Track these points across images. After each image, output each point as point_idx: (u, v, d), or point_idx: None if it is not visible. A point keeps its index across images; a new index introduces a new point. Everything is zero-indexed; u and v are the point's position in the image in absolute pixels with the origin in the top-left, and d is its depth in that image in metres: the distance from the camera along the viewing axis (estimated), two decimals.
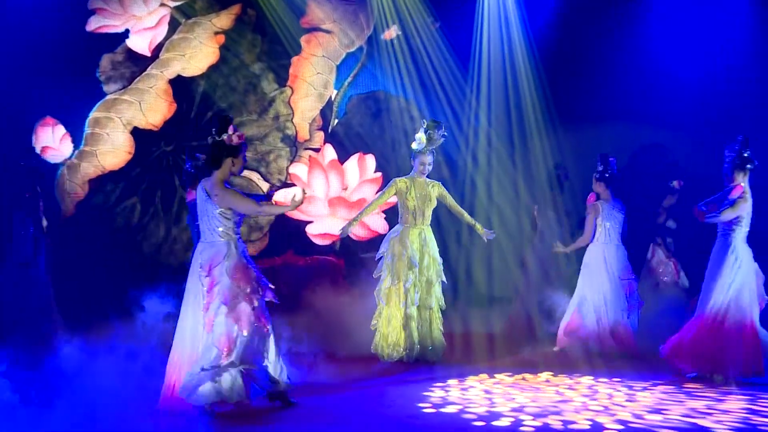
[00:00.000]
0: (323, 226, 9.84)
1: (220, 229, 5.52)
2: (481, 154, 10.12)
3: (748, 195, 6.51)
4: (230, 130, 5.66)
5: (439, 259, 7.41)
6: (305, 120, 9.93)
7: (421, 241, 7.32)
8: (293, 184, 9.74)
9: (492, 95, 9.94)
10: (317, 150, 9.91)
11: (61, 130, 9.44)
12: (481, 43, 9.96)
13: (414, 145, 7.31)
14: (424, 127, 7.26)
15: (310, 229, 9.82)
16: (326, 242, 9.83)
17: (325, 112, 9.95)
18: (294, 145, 9.86)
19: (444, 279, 7.42)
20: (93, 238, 9.36)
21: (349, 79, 10.06)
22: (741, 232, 6.52)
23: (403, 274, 7.23)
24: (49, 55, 9.26)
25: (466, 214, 7.46)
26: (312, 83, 9.94)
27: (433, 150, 7.31)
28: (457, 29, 10.02)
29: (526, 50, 10.00)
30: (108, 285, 8.91)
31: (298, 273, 9.26)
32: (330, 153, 9.91)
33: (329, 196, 9.78)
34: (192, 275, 5.54)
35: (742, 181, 6.52)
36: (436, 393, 6.20)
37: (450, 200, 7.44)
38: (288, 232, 9.73)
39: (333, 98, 10.00)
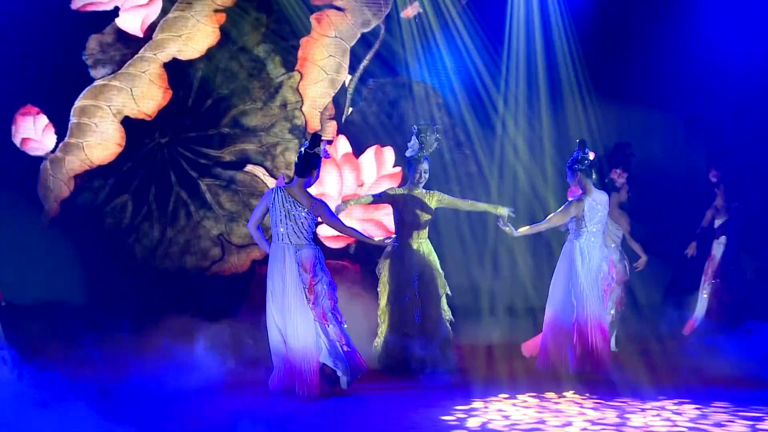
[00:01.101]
0: None
1: (308, 231, 6.55)
2: (518, 144, 9.95)
3: (589, 197, 7.09)
4: (322, 145, 6.59)
5: (441, 271, 7.51)
6: (316, 108, 9.69)
7: (419, 255, 7.46)
8: None
9: (527, 79, 9.78)
10: (329, 142, 9.59)
11: (43, 119, 9.22)
12: (512, 21, 9.78)
13: (408, 152, 7.47)
14: (416, 131, 7.43)
15: (321, 231, 9.47)
16: (340, 245, 9.60)
17: (338, 100, 9.75)
18: (303, 137, 9.57)
19: (449, 291, 7.52)
20: (79, 241, 9.23)
21: (365, 62, 9.83)
22: (583, 234, 7.12)
23: (400, 292, 7.41)
24: (30, 36, 9.14)
25: (477, 203, 7.65)
26: (323, 67, 9.69)
27: (428, 156, 7.45)
28: (487, 5, 9.83)
29: (565, 29, 9.85)
30: (96, 292, 8.95)
31: None
32: (344, 145, 9.64)
33: (343, 193, 9.52)
34: (277, 274, 6.50)
35: (583, 182, 7.15)
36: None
37: (452, 201, 7.57)
38: None
39: (347, 84, 9.79)
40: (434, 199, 7.44)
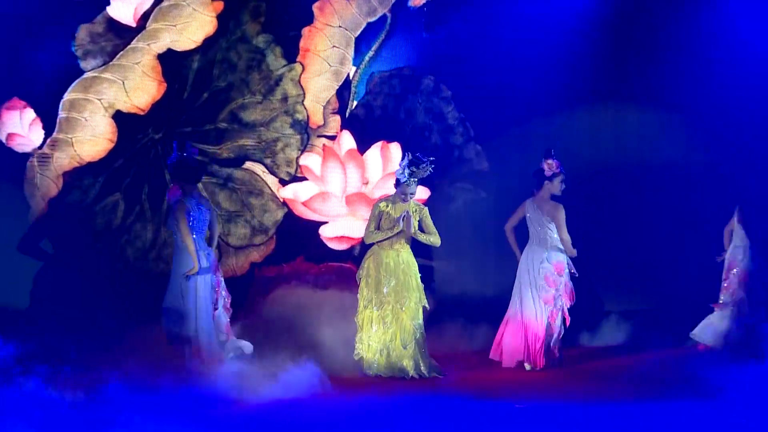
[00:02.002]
0: (339, 227, 9.58)
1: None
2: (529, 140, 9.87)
3: (534, 201, 8.07)
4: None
5: (419, 284, 7.80)
6: (318, 102, 9.69)
7: (395, 263, 7.73)
8: (304, 178, 9.56)
9: (546, 73, 9.71)
10: (333, 138, 9.68)
11: (30, 114, 9.32)
12: (531, 11, 9.74)
13: (397, 173, 7.71)
14: (408, 162, 7.64)
15: (324, 231, 9.56)
16: (343, 246, 9.60)
17: (342, 93, 9.77)
18: (305, 132, 9.62)
19: (426, 304, 7.81)
20: (68, 242, 9.29)
21: (371, 53, 9.84)
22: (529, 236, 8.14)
23: (375, 298, 7.69)
24: (16, 25, 9.22)
25: (433, 237, 7.87)
26: (326, 58, 9.70)
27: (417, 180, 7.71)
28: None
29: (590, 22, 9.84)
30: (86, 295, 9.06)
31: (310, 282, 9.19)
32: (348, 141, 9.61)
33: (347, 192, 9.50)
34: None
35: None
36: None
37: (425, 224, 7.84)
38: (298, 234, 9.58)
39: (351, 76, 9.81)
40: (418, 214, 7.77)
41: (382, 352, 7.66)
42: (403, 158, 7.71)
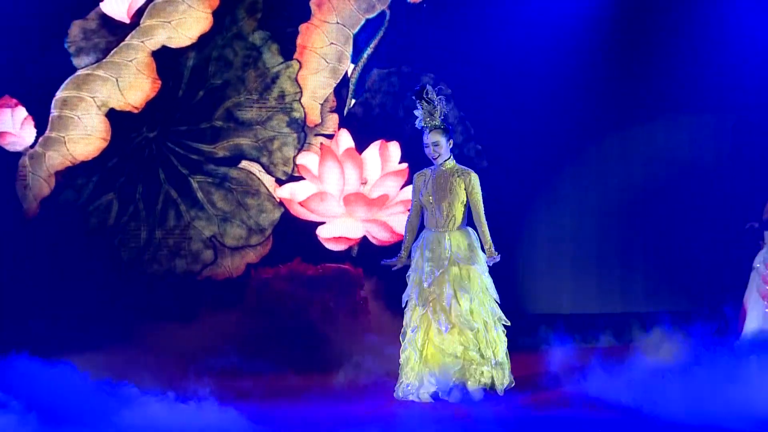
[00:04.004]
0: (337, 228, 9.57)
1: None
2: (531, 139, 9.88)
3: None
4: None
5: (479, 269, 6.70)
6: (316, 100, 9.68)
7: (443, 249, 6.68)
8: (301, 177, 9.55)
9: (546, 72, 9.71)
10: (330, 136, 9.67)
11: (22, 112, 9.23)
12: (532, 10, 9.76)
13: (417, 123, 6.90)
14: (416, 100, 6.86)
15: (321, 232, 9.55)
16: (341, 247, 9.58)
17: (340, 91, 9.74)
18: (302, 131, 9.62)
19: (496, 295, 6.78)
20: (61, 242, 9.24)
21: (369, 50, 9.81)
22: None
23: (422, 293, 6.69)
24: (7, 21, 9.09)
25: (484, 227, 6.83)
26: (324, 56, 9.69)
27: (440, 126, 6.77)
28: None
29: (591, 21, 9.85)
30: (80, 297, 9.00)
31: (307, 284, 9.04)
32: (346, 140, 9.62)
33: (345, 192, 9.50)
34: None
35: None
36: None
37: (473, 199, 6.78)
38: (295, 235, 9.55)
39: (349, 74, 9.79)
40: (463, 181, 6.71)
41: (426, 363, 6.63)
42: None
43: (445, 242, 6.66)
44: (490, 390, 6.59)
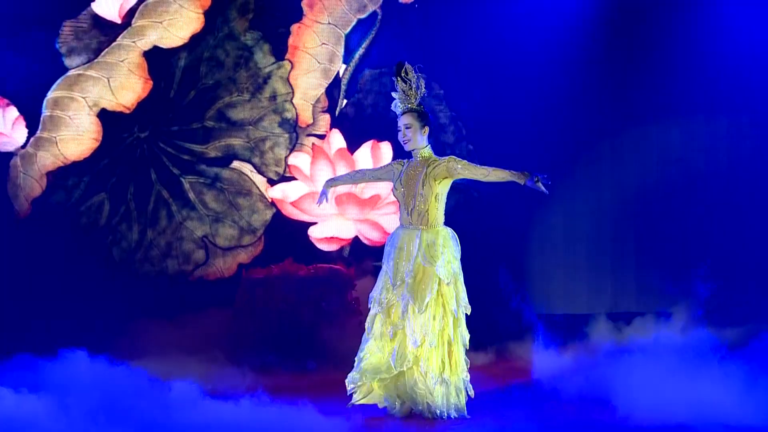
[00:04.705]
0: (329, 228, 9.55)
1: None
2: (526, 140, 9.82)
3: None
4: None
5: (446, 275, 6.11)
6: (308, 100, 9.66)
7: (413, 247, 6.13)
8: (293, 178, 9.53)
9: (539, 72, 9.70)
10: (322, 137, 9.65)
11: (13, 112, 9.21)
12: (525, 9, 9.74)
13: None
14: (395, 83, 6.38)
15: (313, 232, 9.53)
16: (333, 248, 9.56)
17: (332, 91, 9.73)
18: (294, 131, 9.60)
19: (465, 307, 6.18)
20: (52, 243, 9.20)
21: (361, 51, 9.81)
22: None
23: (386, 294, 6.19)
24: None
25: (495, 171, 6.23)
26: (316, 56, 9.67)
27: (415, 109, 6.28)
28: None
29: (585, 21, 9.83)
30: (71, 297, 8.97)
31: (299, 285, 9.05)
32: (337, 140, 9.60)
33: (336, 192, 9.41)
34: None
35: None
36: None
37: (467, 170, 6.19)
38: (287, 235, 9.51)
39: (341, 74, 9.78)
40: (441, 168, 6.17)
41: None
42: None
43: (414, 241, 6.15)
44: (427, 412, 6.01)
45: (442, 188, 6.25)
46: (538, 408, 6.44)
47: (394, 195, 6.35)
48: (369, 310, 6.30)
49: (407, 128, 6.23)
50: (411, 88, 6.29)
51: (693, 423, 5.74)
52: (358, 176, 6.89)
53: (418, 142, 6.25)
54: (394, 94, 6.37)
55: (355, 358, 6.25)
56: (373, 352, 6.17)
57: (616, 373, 6.61)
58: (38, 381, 6.45)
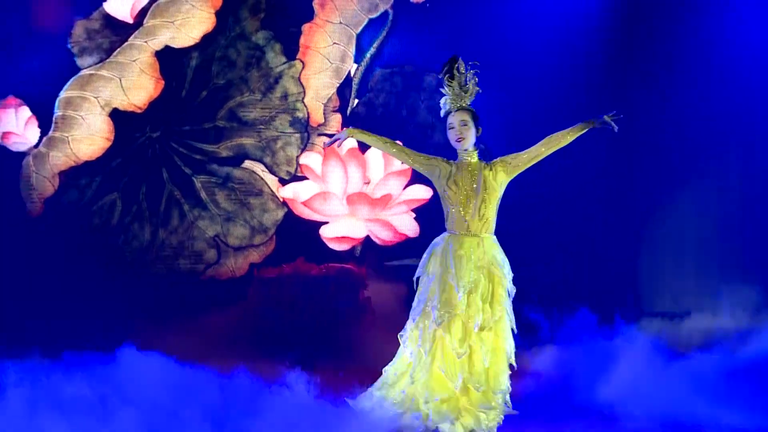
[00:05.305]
0: (341, 227, 9.50)
1: None
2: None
3: None
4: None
5: (511, 288, 5.76)
6: (319, 100, 9.64)
7: (477, 257, 5.68)
8: (305, 177, 9.51)
9: (551, 71, 9.63)
10: (332, 136, 9.01)
11: (25, 112, 9.23)
12: (537, 9, 9.69)
13: (442, 113, 5.97)
14: (442, 80, 5.94)
15: (324, 232, 9.50)
16: (344, 247, 9.51)
17: (343, 91, 9.70)
18: (306, 131, 9.57)
19: (514, 325, 5.78)
20: (64, 242, 9.21)
21: (372, 50, 9.75)
22: None
23: (440, 308, 5.62)
24: (10, 22, 9.09)
25: (554, 138, 5.86)
26: (327, 56, 9.64)
27: (469, 108, 5.86)
28: None
29: (598, 21, 9.75)
30: (83, 297, 8.97)
31: (311, 284, 9.10)
32: (349, 140, 9.05)
33: (348, 191, 9.45)
34: None
35: None
36: None
37: (524, 155, 5.82)
38: (298, 235, 9.48)
39: (352, 74, 9.73)
40: (498, 169, 5.79)
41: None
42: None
43: (479, 250, 5.71)
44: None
45: (502, 192, 5.85)
46: None
47: (444, 196, 5.81)
48: (417, 324, 5.73)
49: (463, 125, 5.80)
50: (466, 86, 5.90)
51: None
52: (389, 145, 5.94)
53: (472, 142, 5.85)
54: (443, 90, 5.94)
55: (389, 380, 5.79)
56: (426, 370, 5.62)
57: None
58: (42, 382, 6.48)
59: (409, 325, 5.77)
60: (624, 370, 7.21)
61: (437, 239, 5.89)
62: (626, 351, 7.39)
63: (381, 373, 6.01)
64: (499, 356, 5.66)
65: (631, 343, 7.55)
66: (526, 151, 5.85)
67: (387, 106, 9.74)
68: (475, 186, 5.74)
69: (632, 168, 9.75)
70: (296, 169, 9.52)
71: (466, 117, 5.83)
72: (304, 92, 9.56)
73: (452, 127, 5.82)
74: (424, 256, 5.87)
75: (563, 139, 5.87)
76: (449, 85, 5.88)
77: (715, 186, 9.55)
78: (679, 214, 9.58)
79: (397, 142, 6.08)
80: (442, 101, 5.94)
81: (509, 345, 5.69)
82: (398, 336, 5.85)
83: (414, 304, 5.82)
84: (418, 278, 5.87)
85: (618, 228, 9.66)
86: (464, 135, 5.80)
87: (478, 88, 5.92)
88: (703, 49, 9.76)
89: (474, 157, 5.83)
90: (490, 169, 5.79)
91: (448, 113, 5.89)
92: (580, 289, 9.23)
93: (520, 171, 5.86)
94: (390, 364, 5.85)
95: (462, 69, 5.89)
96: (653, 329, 8.46)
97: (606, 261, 9.56)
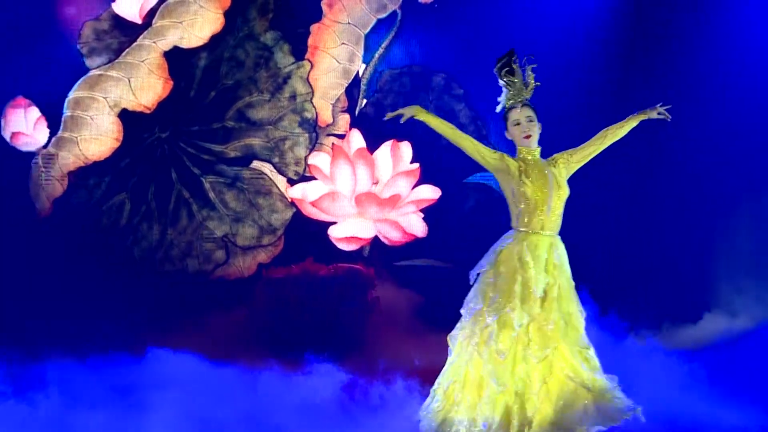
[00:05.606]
0: (349, 228, 9.50)
1: None
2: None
3: None
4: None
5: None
6: (327, 100, 9.63)
7: (554, 257, 5.47)
8: (313, 177, 9.51)
9: (560, 72, 9.43)
10: (342, 136, 9.61)
11: (35, 112, 9.27)
12: (545, 9, 9.62)
13: (498, 109, 5.77)
14: (497, 74, 5.71)
15: (333, 232, 9.49)
16: (353, 247, 9.51)
17: (352, 91, 9.70)
18: (314, 131, 9.57)
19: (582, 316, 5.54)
20: (74, 242, 9.24)
21: (381, 50, 9.75)
22: None
23: (514, 310, 5.36)
24: (19, 22, 9.11)
25: (614, 127, 5.72)
26: (335, 56, 9.63)
27: (529, 104, 5.69)
28: None
29: (606, 22, 9.70)
30: (92, 297, 8.97)
31: (319, 284, 9.09)
32: (357, 140, 9.56)
33: (356, 192, 9.46)
34: None
35: None
36: None
37: (583, 151, 5.68)
38: (307, 235, 9.50)
39: (361, 74, 9.73)
40: (561, 164, 5.65)
41: (497, 403, 5.31)
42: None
43: (555, 250, 5.50)
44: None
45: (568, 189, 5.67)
46: None
47: (519, 193, 5.53)
48: (486, 327, 5.40)
49: (530, 121, 5.62)
50: (526, 80, 5.72)
51: None
52: (458, 135, 5.70)
53: (537, 138, 5.66)
54: (502, 83, 5.73)
55: (449, 390, 5.49)
56: (500, 376, 5.32)
57: None
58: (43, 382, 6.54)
59: (471, 329, 5.46)
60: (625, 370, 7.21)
61: (507, 237, 5.61)
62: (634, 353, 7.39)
63: (386, 373, 5.98)
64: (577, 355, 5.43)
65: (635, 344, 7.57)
66: (582, 146, 5.71)
67: (395, 106, 9.47)
68: (547, 183, 5.54)
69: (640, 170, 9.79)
70: (305, 169, 9.52)
71: (531, 113, 5.67)
72: (313, 92, 9.56)
73: (518, 123, 5.62)
74: (492, 255, 5.58)
75: (617, 132, 5.73)
76: (510, 80, 5.70)
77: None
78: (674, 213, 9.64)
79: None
80: (501, 96, 5.75)
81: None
82: (449, 338, 5.57)
83: (472, 304, 5.53)
84: (477, 274, 5.59)
85: (627, 226, 9.68)
86: (532, 131, 5.62)
87: (537, 83, 5.75)
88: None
89: (537, 154, 5.64)
90: (554, 166, 5.62)
91: (509, 109, 5.69)
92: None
93: (577, 168, 5.71)
94: (445, 380, 5.53)
95: (515, 65, 5.71)
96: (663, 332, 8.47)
97: (619, 258, 9.56)
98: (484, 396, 5.31)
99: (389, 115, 5.88)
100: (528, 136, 5.58)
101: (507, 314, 5.33)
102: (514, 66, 5.66)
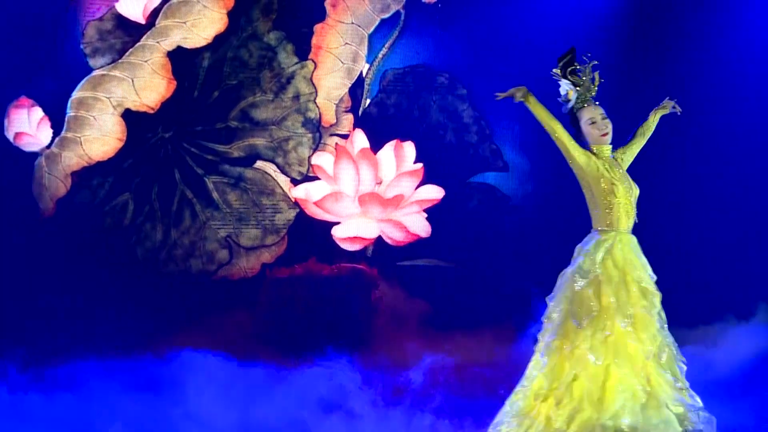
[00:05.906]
0: (352, 228, 9.51)
1: None
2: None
3: None
4: None
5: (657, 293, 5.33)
6: (331, 100, 9.64)
7: (640, 256, 5.34)
8: (316, 177, 9.52)
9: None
10: (345, 136, 9.62)
11: (38, 112, 9.22)
12: (549, 9, 9.61)
13: (564, 110, 5.60)
14: (556, 76, 5.60)
15: (336, 232, 9.50)
16: (356, 247, 9.52)
17: (355, 91, 9.70)
18: (317, 131, 9.58)
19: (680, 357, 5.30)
20: (77, 243, 9.22)
21: (384, 50, 9.75)
22: None
23: (617, 311, 5.15)
24: (23, 22, 9.08)
25: (647, 123, 5.67)
26: (339, 56, 9.64)
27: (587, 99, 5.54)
28: None
29: (610, 21, 9.70)
30: (95, 297, 9.00)
31: (322, 284, 9.15)
32: (361, 140, 9.58)
33: (360, 191, 9.47)
34: None
35: None
36: None
37: (632, 149, 5.61)
38: (310, 235, 9.51)
39: (364, 74, 9.73)
40: (627, 159, 5.55)
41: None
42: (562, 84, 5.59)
43: (638, 249, 5.37)
44: None
45: None
46: None
47: (609, 191, 5.35)
48: (583, 332, 5.16)
49: (604, 118, 5.48)
50: (590, 78, 5.57)
51: None
52: (555, 126, 5.47)
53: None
54: (567, 83, 5.57)
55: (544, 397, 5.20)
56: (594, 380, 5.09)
57: None
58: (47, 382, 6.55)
59: (562, 336, 5.22)
60: None
61: (594, 236, 5.41)
62: None
63: (392, 372, 5.88)
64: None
65: None
66: (630, 144, 5.61)
67: (399, 106, 9.74)
68: (626, 182, 5.40)
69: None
70: (308, 169, 9.53)
71: (603, 110, 5.53)
72: (316, 92, 9.56)
73: (594, 122, 5.46)
74: (584, 256, 5.34)
75: (651, 127, 5.67)
76: (577, 78, 5.56)
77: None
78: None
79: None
80: (569, 96, 5.56)
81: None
82: (539, 345, 5.30)
83: (568, 307, 5.26)
84: (572, 276, 5.32)
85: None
86: (609, 129, 5.47)
87: (602, 79, 5.62)
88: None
89: (609, 151, 5.48)
90: (621, 159, 5.53)
91: (578, 108, 5.54)
92: None
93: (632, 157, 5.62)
94: (524, 391, 5.27)
95: (575, 64, 5.59)
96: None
97: None
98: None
99: (500, 96, 5.66)
100: (605, 134, 5.44)
101: (640, 313, 5.17)
102: (577, 65, 5.55)
